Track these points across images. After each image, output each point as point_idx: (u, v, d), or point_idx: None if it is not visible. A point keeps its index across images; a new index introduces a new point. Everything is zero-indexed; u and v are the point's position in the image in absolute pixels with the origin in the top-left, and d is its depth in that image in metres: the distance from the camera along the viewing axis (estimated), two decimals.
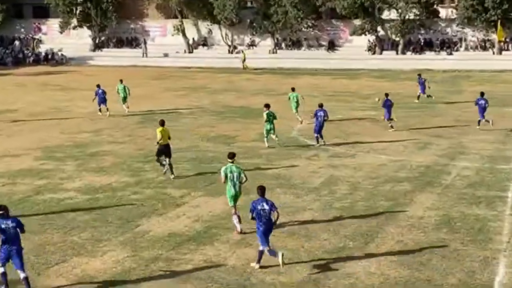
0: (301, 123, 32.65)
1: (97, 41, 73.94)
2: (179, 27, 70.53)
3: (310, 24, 67.45)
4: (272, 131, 27.69)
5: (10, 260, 13.64)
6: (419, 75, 42.43)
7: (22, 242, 13.86)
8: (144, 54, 70.33)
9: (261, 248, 14.98)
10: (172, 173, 22.96)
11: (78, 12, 72.73)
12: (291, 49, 69.84)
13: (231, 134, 31.12)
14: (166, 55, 70.71)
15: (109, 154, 26.95)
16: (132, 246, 16.32)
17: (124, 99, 37.35)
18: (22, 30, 77.39)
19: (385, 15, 66.67)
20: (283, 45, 70.26)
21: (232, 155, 17.99)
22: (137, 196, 20.77)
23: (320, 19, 69.06)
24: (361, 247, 16.25)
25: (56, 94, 45.75)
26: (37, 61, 72.00)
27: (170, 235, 17.09)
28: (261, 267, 14.91)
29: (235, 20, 68.33)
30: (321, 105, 28.68)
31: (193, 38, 72.03)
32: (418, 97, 40.74)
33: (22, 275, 13.59)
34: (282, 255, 14.74)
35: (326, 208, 19.53)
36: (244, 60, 64.76)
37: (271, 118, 27.61)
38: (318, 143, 28.28)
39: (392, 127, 31.50)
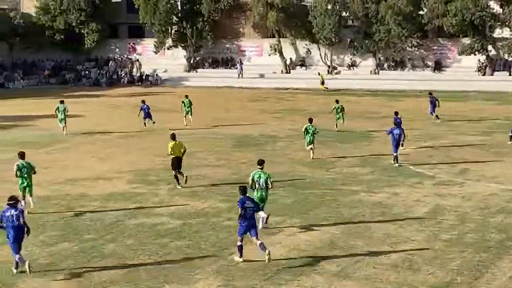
0: (402, 146, 32.20)
1: (192, 62, 75.36)
2: (276, 46, 71.09)
3: (415, 43, 66.63)
4: (311, 143, 30.87)
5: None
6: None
7: None
8: (240, 75, 71.19)
9: (239, 243, 17.45)
10: (179, 184, 25.31)
11: (173, 32, 74.42)
12: (394, 70, 69.19)
13: (329, 159, 31.02)
14: (262, 75, 71.35)
15: (202, 178, 27.32)
16: (225, 275, 16.45)
17: (187, 113, 41.82)
18: (117, 50, 79.85)
19: (497, 33, 65.09)
20: (385, 65, 69.70)
21: (261, 162, 20.42)
22: (231, 223, 20.92)
23: (426, 38, 68.16)
24: (470, 283, 15.83)
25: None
26: (131, 82, 74.06)
27: (265, 265, 17.12)
28: None
29: (335, 39, 68.26)
30: (397, 121, 31.18)
31: (291, 58, 72.43)
32: None
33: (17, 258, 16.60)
34: (269, 252, 17.12)
35: (431, 239, 19.14)
36: (323, 82, 64.76)
37: (311, 131, 30.79)
38: (397, 162, 29.26)
39: None
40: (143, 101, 41.80)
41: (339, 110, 39.24)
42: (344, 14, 69.18)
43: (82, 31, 75.92)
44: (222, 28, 74.47)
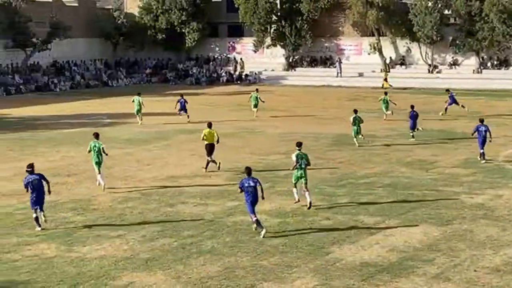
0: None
1: (290, 60, 75.52)
2: (375, 45, 70.44)
3: None
4: (358, 133, 33.78)
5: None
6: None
7: None
8: (339, 74, 70.86)
9: (252, 218, 19.53)
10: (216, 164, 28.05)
11: (272, 30, 74.75)
12: (498, 69, 67.38)
13: (429, 160, 30.51)
14: (360, 74, 70.82)
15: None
16: (322, 274, 16.41)
17: (255, 106, 45.69)
18: (217, 49, 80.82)
19: None
20: (489, 64, 67.95)
21: (299, 144, 22.98)
22: (328, 222, 20.89)
23: None
24: None
25: (246, 114, 47.17)
26: (231, 80, 74.83)
27: (362, 265, 17.01)
28: None
29: (436, 37, 67.09)
30: (482, 120, 30.35)
31: (390, 57, 71.58)
32: None
33: (37, 214, 20.12)
34: (265, 232, 19.24)
35: None
36: (386, 79, 65.02)
37: (357, 122, 33.57)
38: (483, 159, 29.46)
39: None
40: (182, 95, 45.05)
41: (384, 101, 42.80)
42: (446, 12, 67.91)
43: (183, 30, 77.19)
44: (321, 26, 74.29)
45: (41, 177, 20.45)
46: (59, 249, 18.45)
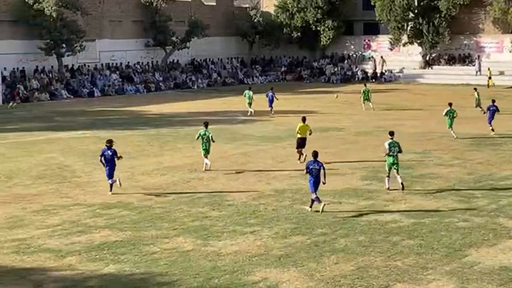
0: None
1: (427, 58, 74.09)
2: None
3: None
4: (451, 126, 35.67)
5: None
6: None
7: None
8: (478, 72, 68.87)
9: (313, 196, 21.77)
10: (299, 159, 29.17)
11: (409, 28, 73.55)
12: None
13: None
14: (501, 73, 68.48)
15: (436, 177, 26.80)
16: (459, 277, 16.02)
17: (366, 99, 47.80)
18: (352, 47, 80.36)
19: None
20: None
21: (392, 133, 25.16)
22: (466, 224, 20.37)
23: None
24: None
25: (383, 113, 46.70)
26: (365, 78, 74.20)
27: (501, 269, 16.48)
28: None
29: None
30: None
31: None
32: None
33: (112, 182, 24.26)
34: (324, 205, 21.66)
35: None
36: (490, 77, 63.70)
37: (450, 115, 35.62)
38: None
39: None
40: (272, 88, 48.61)
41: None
42: None
43: (318, 28, 77.26)
44: (460, 23, 72.37)
45: (114, 153, 24.23)
46: (195, 243, 18.91)
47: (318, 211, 21.58)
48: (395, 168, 24.60)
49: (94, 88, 62.30)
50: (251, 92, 46.94)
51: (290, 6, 77.56)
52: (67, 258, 17.68)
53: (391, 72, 73.98)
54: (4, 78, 56.85)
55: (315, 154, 22.27)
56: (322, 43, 77.86)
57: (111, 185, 24.44)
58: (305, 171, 22.17)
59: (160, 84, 67.71)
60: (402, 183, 24.36)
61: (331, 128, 40.18)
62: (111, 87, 63.54)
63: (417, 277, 16.15)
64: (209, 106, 52.35)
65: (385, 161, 25.04)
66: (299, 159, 29.53)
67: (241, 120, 44.26)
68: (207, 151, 28.31)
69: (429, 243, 18.64)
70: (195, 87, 69.43)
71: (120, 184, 24.33)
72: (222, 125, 41.20)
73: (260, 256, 17.76)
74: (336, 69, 76.73)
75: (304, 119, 30.32)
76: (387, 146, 24.74)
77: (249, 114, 45.96)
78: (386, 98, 57.08)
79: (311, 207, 21.97)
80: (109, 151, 24.29)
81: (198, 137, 28.43)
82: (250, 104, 46.69)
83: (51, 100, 57.97)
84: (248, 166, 29.42)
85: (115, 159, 24.38)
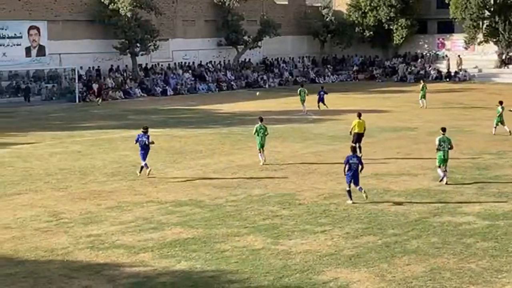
0: None
1: (503, 57, 72.54)
2: None
3: None
4: (498, 124, 36.16)
5: None
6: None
7: None
8: None
9: (347, 188, 22.82)
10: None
11: (484, 26, 72.12)
12: None
13: None
14: None
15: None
16: None
17: (422, 97, 49.02)
18: (425, 46, 79.26)
19: None
20: None
21: (444, 129, 25.93)
22: None
23: None
24: None
25: (458, 113, 45.95)
26: (439, 78, 73.12)
27: None
28: None
29: None
30: None
31: None
32: None
33: (142, 163, 26.86)
34: (352, 202, 22.69)
35: None
36: None
37: (498, 114, 36.22)
38: None
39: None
40: (322, 87, 50.02)
41: None
42: None
43: (391, 27, 76.48)
44: None
45: (148, 138, 26.59)
46: (266, 241, 18.97)
47: (361, 203, 22.63)
48: (444, 164, 25.34)
49: (167, 87, 63.16)
50: (304, 90, 47.71)
51: (362, 4, 77.00)
52: (140, 255, 17.98)
53: (466, 71, 72.67)
54: (80, 76, 58.13)
55: (354, 149, 23.83)
56: (395, 42, 77.06)
57: (142, 167, 26.83)
58: (344, 165, 22.93)
59: (232, 83, 68.11)
60: (446, 181, 25.25)
61: (403, 129, 39.73)
62: (183, 86, 64.31)
63: (491, 280, 15.85)
64: (280, 105, 52.35)
65: (436, 158, 25.93)
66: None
67: (312, 120, 44.15)
68: (261, 145, 29.23)
69: (504, 245, 18.27)
70: (267, 86, 69.58)
71: (148, 174, 26.63)
72: (293, 124, 41.16)
73: (331, 255, 17.71)
74: (410, 68, 75.73)
75: (359, 115, 31.00)
76: (437, 142, 25.50)
77: (305, 113, 46.23)
78: (460, 97, 56.19)
79: (351, 198, 22.84)
80: (144, 137, 26.68)
81: (255, 132, 29.46)
82: (304, 101, 47.13)
83: (125, 98, 59.06)
84: (319, 165, 29.35)
85: (149, 144, 26.77)
